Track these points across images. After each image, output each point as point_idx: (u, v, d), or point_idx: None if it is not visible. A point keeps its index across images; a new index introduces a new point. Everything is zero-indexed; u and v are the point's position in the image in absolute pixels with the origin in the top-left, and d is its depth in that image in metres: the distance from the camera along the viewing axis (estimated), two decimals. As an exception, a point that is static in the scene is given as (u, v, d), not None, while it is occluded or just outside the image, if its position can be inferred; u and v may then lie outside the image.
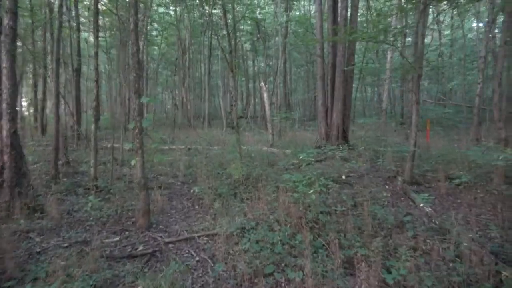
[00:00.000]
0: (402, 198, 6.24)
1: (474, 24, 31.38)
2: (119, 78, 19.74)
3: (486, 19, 14.97)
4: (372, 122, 13.07)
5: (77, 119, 15.89)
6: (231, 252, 3.88)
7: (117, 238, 4.45)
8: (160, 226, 4.88)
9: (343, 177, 6.65)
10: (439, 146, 11.55)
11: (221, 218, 4.83)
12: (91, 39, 27.38)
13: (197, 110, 31.15)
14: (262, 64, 31.59)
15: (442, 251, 3.69)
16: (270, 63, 29.99)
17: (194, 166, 8.81)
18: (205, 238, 4.37)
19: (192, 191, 6.43)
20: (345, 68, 11.45)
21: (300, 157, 6.40)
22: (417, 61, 7.35)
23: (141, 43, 15.79)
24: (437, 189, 6.89)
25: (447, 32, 29.29)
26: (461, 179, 5.41)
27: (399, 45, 14.13)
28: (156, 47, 28.28)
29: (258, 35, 27.46)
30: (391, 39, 6.92)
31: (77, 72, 16.49)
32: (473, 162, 7.96)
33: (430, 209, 5.20)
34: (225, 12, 8.11)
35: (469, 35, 28.14)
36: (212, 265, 3.65)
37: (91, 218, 5.03)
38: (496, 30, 16.38)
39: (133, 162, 5.84)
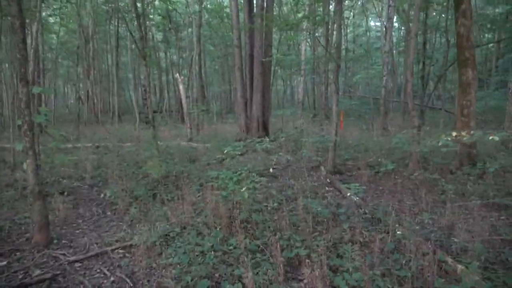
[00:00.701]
0: (328, 188, 6.21)
1: (373, 23, 34.31)
2: (11, 68, 17.09)
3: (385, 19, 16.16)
4: (290, 114, 13.21)
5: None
6: (154, 266, 3.30)
7: (4, 262, 3.53)
8: (64, 241, 4.03)
9: (271, 170, 6.40)
10: (354, 136, 12.10)
11: (139, 226, 4.17)
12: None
13: (105, 105, 28.78)
14: (175, 57, 30.37)
15: (380, 242, 3.57)
16: (184, 55, 28.88)
17: (104, 166, 7.82)
18: (121, 252, 3.69)
19: (102, 195, 5.58)
20: (264, 59, 11.29)
21: (225, 151, 5.95)
22: (336, 51, 7.41)
23: (34, 27, 13.72)
24: (358, 177, 7.05)
25: (350, 29, 31.37)
26: (386, 167, 5.52)
27: (316, 34, 14.49)
28: (54, 35, 25.23)
29: (170, 26, 26.17)
30: (313, 26, 6.82)
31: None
32: (387, 149, 8.39)
33: (357, 198, 5.19)
34: (134, -6, 7.24)
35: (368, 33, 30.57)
36: (132, 285, 3.03)
37: (-33, 240, 3.96)
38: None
39: (25, 166, 4.87)
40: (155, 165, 5.70)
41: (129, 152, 8.50)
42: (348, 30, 30.22)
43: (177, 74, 13.09)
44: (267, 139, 11.19)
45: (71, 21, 25.34)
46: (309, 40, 17.96)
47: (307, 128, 13.47)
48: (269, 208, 4.44)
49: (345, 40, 25.05)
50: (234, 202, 4.33)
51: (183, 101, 12.77)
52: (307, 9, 13.52)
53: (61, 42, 25.28)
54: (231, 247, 3.38)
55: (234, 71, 26.30)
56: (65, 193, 5.99)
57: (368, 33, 25.68)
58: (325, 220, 4.20)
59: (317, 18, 6.81)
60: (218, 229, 3.82)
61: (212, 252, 3.29)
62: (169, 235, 3.85)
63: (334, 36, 7.54)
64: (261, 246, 3.45)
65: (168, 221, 4.33)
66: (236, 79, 12.39)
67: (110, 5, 22.43)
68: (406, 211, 4.79)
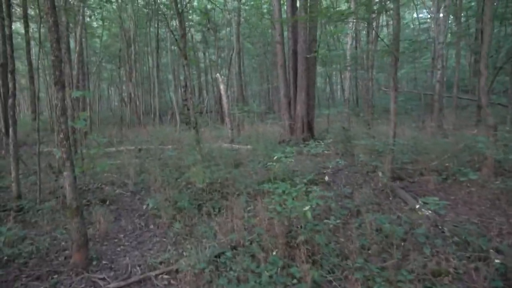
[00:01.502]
0: (391, 198, 5.49)
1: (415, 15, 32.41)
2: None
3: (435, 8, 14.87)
4: (336, 113, 12.43)
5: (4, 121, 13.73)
6: (203, 299, 2.82)
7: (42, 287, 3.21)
8: (104, 262, 3.67)
9: (326, 178, 5.77)
10: (406, 135, 11.12)
11: (184, 244, 3.73)
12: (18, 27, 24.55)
13: (147, 106, 29.26)
14: (213, 57, 30.30)
15: (475, 274, 2.87)
16: (222, 54, 28.72)
17: (146, 171, 7.54)
18: (166, 277, 3.25)
19: (145, 206, 5.22)
20: (308, 55, 10.63)
21: (276, 157, 5.41)
22: (394, 43, 6.63)
23: (77, 31, 13.92)
24: (422, 184, 6.25)
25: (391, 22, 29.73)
26: (468, 176, 4.71)
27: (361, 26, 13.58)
28: (97, 39, 25.93)
29: (209, 25, 26.07)
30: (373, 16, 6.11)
31: (3, 67, 14.24)
32: (454, 151, 7.46)
33: (430, 211, 4.45)
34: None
35: (411, 25, 28.84)
36: (179, 324, 2.56)
37: (4, 258, 3.68)
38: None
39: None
40: (198, 172, 5.27)
41: (171, 157, 8.16)
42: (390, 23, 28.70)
43: (218, 74, 12.72)
44: (313, 141, 10.58)
45: (113, 24, 25.94)
46: (353, 33, 16.94)
47: (353, 128, 12.65)
48: (331, 225, 3.84)
49: (388, 34, 23.71)
50: (290, 218, 3.78)
51: (224, 101, 12.38)
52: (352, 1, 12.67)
53: (104, 46, 25.90)
54: (294, 281, 2.82)
55: (276, 68, 25.77)
56: (107, 202, 5.72)
57: (414, 25, 24.11)
58: (400, 241, 3.54)
59: (375, 7, 6.07)
60: (275, 253, 3.28)
61: (273, 286, 2.74)
62: (219, 259, 3.36)
63: (390, 27, 6.75)
64: (327, 277, 2.86)
65: (215, 239, 3.85)
66: (278, 77, 11.80)
67: (150, 7, 22.63)
68: (493, 229, 4.01)
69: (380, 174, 6.78)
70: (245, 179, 6.14)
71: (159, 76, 25.36)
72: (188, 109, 23.06)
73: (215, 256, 3.40)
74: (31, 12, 17.87)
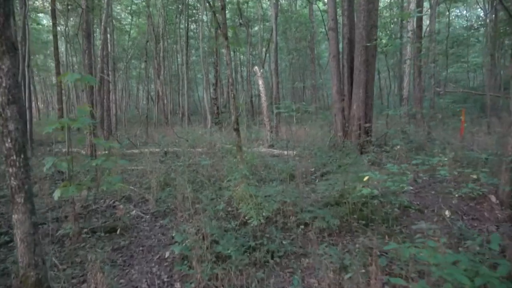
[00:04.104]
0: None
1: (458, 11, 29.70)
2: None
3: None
4: (397, 114, 10.46)
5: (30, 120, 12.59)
6: None
7: None
8: None
9: (446, 213, 3.86)
10: (488, 143, 8.99)
11: None
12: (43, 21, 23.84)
13: (175, 105, 28.10)
14: (242, 56, 28.88)
15: None
16: (254, 52, 27.15)
17: (172, 182, 5.92)
18: None
19: (167, 253, 3.49)
20: (368, 44, 8.75)
21: (365, 179, 3.63)
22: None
23: (101, 25, 12.58)
24: None
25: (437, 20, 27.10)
26: None
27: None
28: (126, 37, 24.96)
29: (241, 21, 24.50)
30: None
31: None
32: None
33: None
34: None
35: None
36: None
37: None
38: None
39: (56, 195, 3.13)
40: (250, 204, 3.54)
41: (204, 166, 6.49)
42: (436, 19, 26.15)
43: (256, 67, 11.02)
44: (371, 146, 8.70)
45: (141, 20, 24.87)
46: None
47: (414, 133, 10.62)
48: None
49: (437, 30, 21.25)
50: None
51: (263, 98, 10.67)
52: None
53: (134, 43, 24.90)
54: None
55: (312, 64, 23.96)
56: (117, 231, 4.10)
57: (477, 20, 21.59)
58: None
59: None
60: None
61: None
62: None
63: None
64: None
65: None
66: (330, 70, 9.95)
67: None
68: None
69: (493, 199, 4.85)
70: (315, 209, 4.35)
71: (188, 74, 24.03)
72: (218, 108, 21.66)
73: None
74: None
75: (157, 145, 10.90)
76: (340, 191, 4.22)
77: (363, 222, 4.07)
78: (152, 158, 8.39)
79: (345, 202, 4.34)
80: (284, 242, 3.53)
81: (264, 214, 3.49)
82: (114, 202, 5.30)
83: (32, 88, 23.30)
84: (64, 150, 9.16)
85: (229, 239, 3.23)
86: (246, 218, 3.76)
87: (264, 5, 25.76)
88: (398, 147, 7.99)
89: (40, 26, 23.78)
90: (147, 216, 4.69)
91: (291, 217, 4.02)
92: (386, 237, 3.76)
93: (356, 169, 5.79)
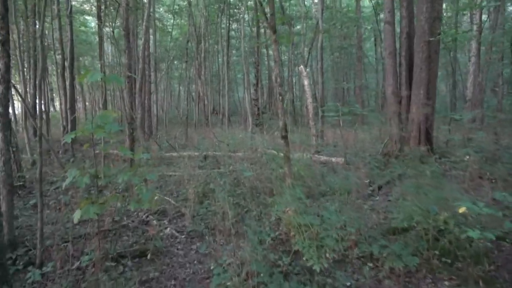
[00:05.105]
0: None
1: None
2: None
3: None
4: (464, 119, 9.24)
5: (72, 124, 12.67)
6: None
7: None
8: None
9: None
10: None
11: None
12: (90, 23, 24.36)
13: (215, 106, 27.89)
14: (285, 56, 28.05)
15: None
16: (296, 52, 26.28)
17: (211, 194, 5.32)
18: None
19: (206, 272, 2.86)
20: (431, 39, 7.72)
21: (460, 210, 2.80)
22: None
23: (143, 24, 12.38)
24: None
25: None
26: None
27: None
28: (169, 38, 25.03)
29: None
30: None
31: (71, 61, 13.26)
32: None
33: None
34: None
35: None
36: None
37: None
38: None
39: (75, 217, 2.56)
40: (308, 242, 2.82)
41: (247, 177, 5.81)
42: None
43: (301, 67, 10.25)
44: (433, 155, 7.67)
45: (182, 21, 24.83)
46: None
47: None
48: None
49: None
50: None
51: (308, 99, 9.88)
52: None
53: (175, 43, 24.95)
54: None
55: (359, 63, 22.70)
56: (148, 255, 3.54)
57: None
58: None
59: None
60: None
61: None
62: None
63: None
64: None
65: None
66: (385, 69, 9.00)
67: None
68: None
69: None
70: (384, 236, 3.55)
71: (229, 74, 23.64)
72: (259, 109, 21.03)
73: None
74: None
75: (196, 148, 10.45)
76: (419, 219, 3.37)
77: (445, 258, 3.22)
78: (190, 163, 7.91)
79: (416, 228, 3.53)
80: (348, 284, 2.79)
81: (328, 255, 2.75)
82: (147, 217, 4.78)
83: (78, 88, 23.99)
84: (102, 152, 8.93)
85: (280, 283, 2.52)
86: (299, 249, 3.04)
87: (307, 3, 24.85)
88: (468, 157, 6.92)
89: (88, 28, 24.33)
90: (182, 237, 4.10)
91: (352, 247, 3.25)
92: (481, 282, 2.91)
93: (429, 183, 4.88)
